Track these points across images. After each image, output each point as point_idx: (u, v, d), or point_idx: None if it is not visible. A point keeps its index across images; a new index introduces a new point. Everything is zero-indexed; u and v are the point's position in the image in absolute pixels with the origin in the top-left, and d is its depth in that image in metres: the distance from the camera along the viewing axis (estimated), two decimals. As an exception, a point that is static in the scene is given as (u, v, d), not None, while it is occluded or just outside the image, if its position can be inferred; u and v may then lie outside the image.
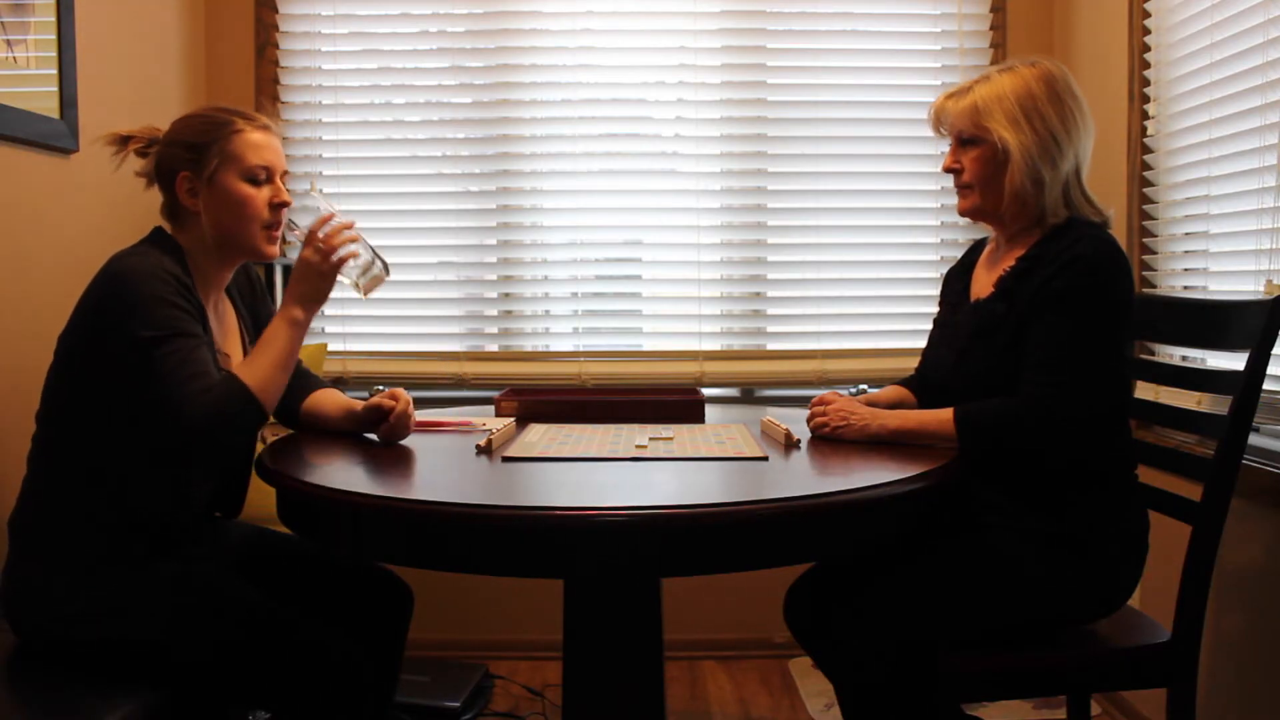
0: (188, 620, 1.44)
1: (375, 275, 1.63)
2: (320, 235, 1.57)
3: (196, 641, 1.43)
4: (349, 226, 1.59)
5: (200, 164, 1.54)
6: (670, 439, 1.62)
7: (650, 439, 1.61)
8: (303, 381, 1.74)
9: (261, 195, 1.57)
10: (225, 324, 1.66)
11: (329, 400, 1.74)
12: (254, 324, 1.75)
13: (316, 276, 1.56)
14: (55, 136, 2.02)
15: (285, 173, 1.63)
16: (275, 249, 1.61)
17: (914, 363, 1.88)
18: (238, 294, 1.74)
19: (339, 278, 1.59)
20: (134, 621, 1.43)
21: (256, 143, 1.57)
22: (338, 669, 1.46)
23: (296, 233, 1.63)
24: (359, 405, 1.68)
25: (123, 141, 1.60)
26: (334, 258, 1.56)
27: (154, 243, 1.55)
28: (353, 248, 1.59)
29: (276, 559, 1.72)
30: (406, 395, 1.65)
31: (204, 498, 1.62)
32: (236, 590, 1.49)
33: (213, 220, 1.56)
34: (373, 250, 1.63)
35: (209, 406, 1.41)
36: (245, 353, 1.68)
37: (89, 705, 1.32)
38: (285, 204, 1.60)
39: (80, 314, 1.49)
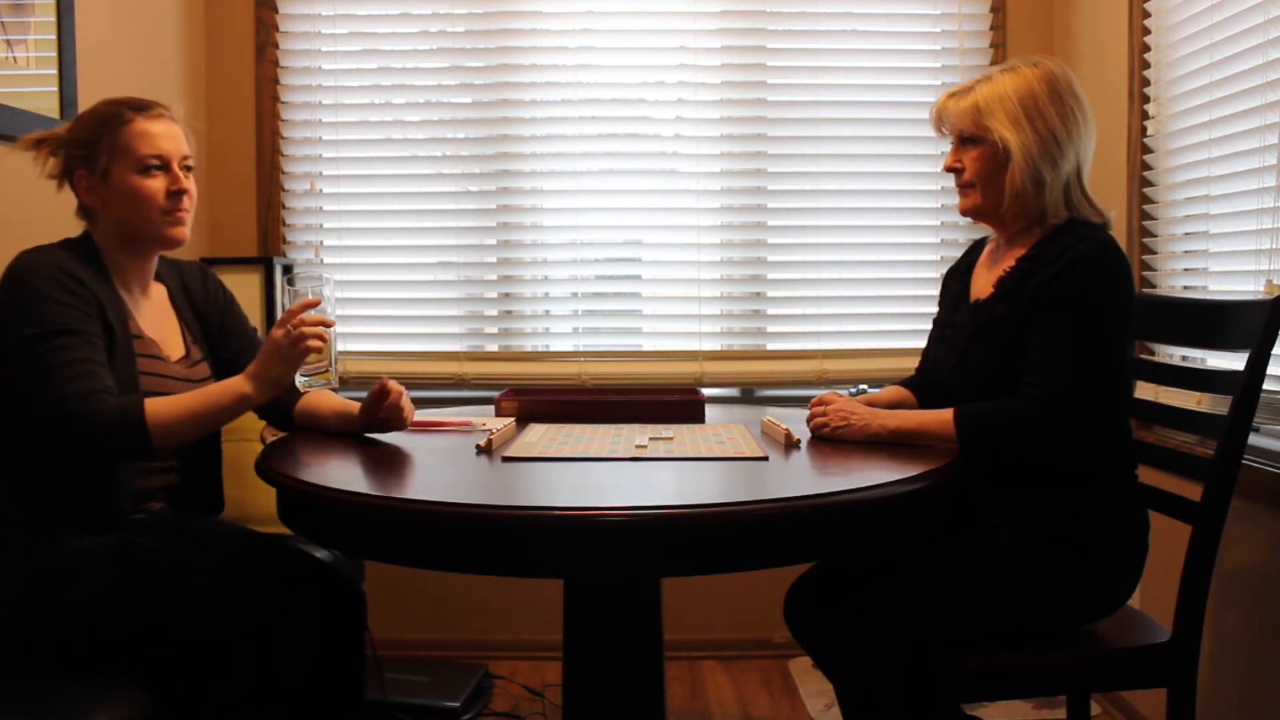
0: (119, 583, 1.44)
1: (320, 385, 1.57)
2: (295, 319, 1.49)
3: (127, 605, 1.43)
4: (328, 324, 1.51)
5: (93, 160, 1.54)
6: (670, 439, 1.62)
7: (650, 439, 1.61)
8: None
9: (156, 185, 1.55)
10: (158, 314, 1.66)
11: (323, 402, 1.74)
12: (198, 324, 1.73)
13: (279, 359, 1.49)
14: (55, 136, 2.02)
15: (186, 157, 1.59)
16: (180, 231, 1.59)
17: (914, 363, 1.88)
18: (182, 292, 1.72)
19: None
20: (65, 591, 1.43)
21: (146, 132, 1.55)
22: (286, 643, 1.48)
23: (290, 291, 1.56)
24: (354, 406, 1.67)
25: (37, 144, 1.59)
26: (298, 346, 1.48)
27: (64, 242, 1.56)
28: (318, 344, 1.49)
29: (235, 547, 1.71)
30: (398, 386, 1.64)
31: (147, 488, 1.60)
32: (172, 552, 1.50)
33: (113, 215, 1.56)
34: (333, 357, 1.56)
35: (94, 413, 1.39)
36: (185, 349, 1.68)
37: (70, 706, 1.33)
38: (183, 191, 1.57)
39: None
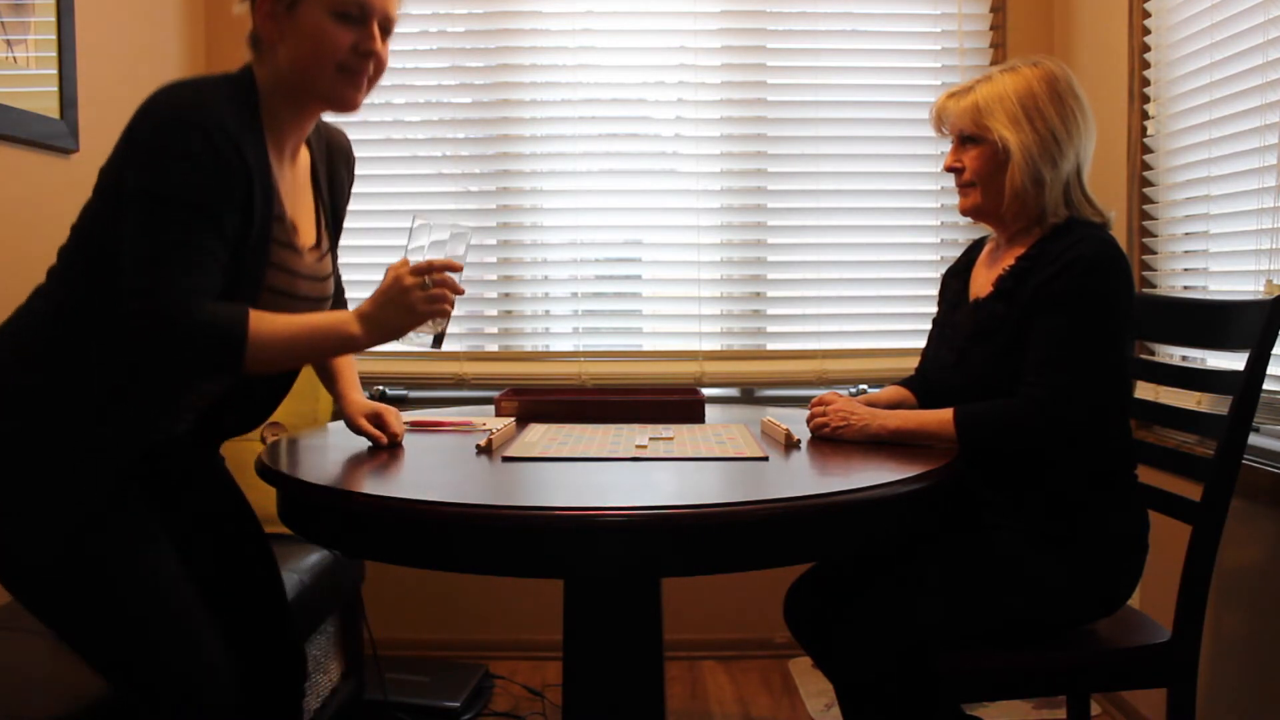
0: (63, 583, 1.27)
1: (424, 342, 1.43)
2: (436, 276, 1.35)
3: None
4: (459, 292, 1.38)
5: None
6: (670, 439, 1.62)
7: (650, 439, 1.61)
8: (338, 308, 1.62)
9: (344, 37, 1.32)
10: (299, 189, 1.46)
11: (344, 369, 1.66)
12: (331, 204, 1.55)
13: (405, 311, 1.34)
14: (55, 136, 2.02)
15: (390, 19, 1.38)
16: (355, 97, 1.37)
17: (914, 363, 1.88)
18: (326, 164, 1.52)
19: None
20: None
21: None
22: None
23: (421, 229, 1.41)
24: (362, 406, 1.62)
25: None
26: (432, 305, 1.34)
27: (224, 80, 1.33)
28: (448, 308, 1.38)
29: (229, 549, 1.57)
30: (396, 425, 1.58)
31: (202, 411, 1.44)
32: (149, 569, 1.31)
33: (288, 55, 1.33)
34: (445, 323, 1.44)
35: (197, 317, 1.21)
36: (318, 236, 1.50)
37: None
38: (371, 53, 1.35)
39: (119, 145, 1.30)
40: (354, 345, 1.35)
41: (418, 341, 1.41)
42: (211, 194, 1.24)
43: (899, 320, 2.86)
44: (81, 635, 1.31)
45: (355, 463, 1.50)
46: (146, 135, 1.25)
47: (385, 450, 1.56)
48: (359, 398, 1.65)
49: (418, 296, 1.33)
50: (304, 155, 1.48)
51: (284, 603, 1.61)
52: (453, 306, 1.37)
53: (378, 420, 1.59)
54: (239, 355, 1.24)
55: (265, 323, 1.27)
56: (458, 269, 1.37)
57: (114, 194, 1.27)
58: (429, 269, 1.34)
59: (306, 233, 1.45)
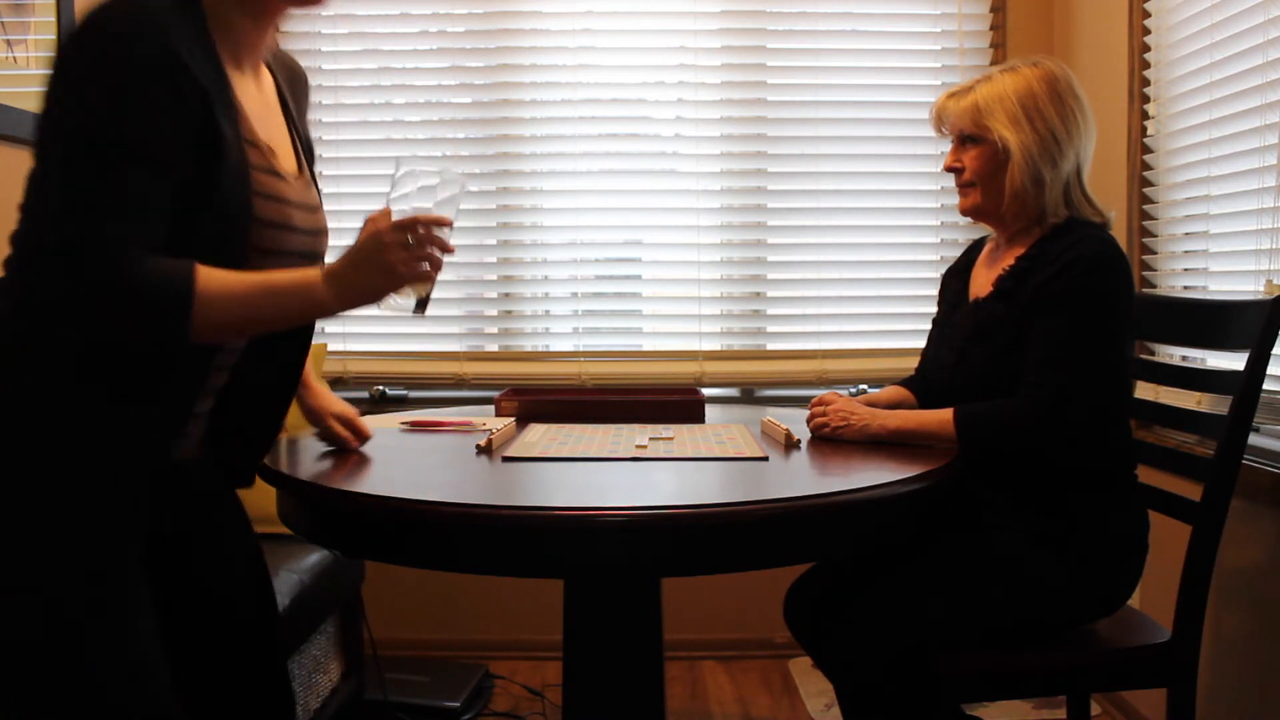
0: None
1: (404, 307, 1.23)
2: (421, 232, 1.16)
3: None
4: (449, 251, 1.21)
5: None
6: (670, 439, 1.62)
7: (650, 439, 1.61)
8: None
9: None
10: (269, 111, 1.27)
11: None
12: (303, 135, 1.38)
13: (383, 272, 1.15)
14: (55, 136, 2.02)
15: None
16: None
17: (914, 363, 1.88)
18: (290, 90, 1.35)
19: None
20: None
21: None
22: None
23: (407, 176, 1.25)
24: (332, 404, 1.54)
25: None
26: (415, 268, 1.16)
27: None
28: (432, 273, 1.20)
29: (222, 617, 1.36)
30: (366, 431, 1.54)
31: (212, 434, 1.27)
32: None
33: None
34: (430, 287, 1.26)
35: (140, 270, 1.01)
36: (298, 162, 1.31)
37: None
38: None
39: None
40: (321, 310, 1.15)
41: (397, 306, 1.21)
42: (157, 137, 1.04)
43: (899, 320, 2.86)
44: (26, 689, 1.07)
45: (356, 463, 1.50)
46: (74, 64, 1.04)
47: (380, 450, 1.56)
48: (326, 389, 1.57)
49: (399, 256, 1.15)
50: (268, 77, 1.30)
51: (275, 626, 1.46)
52: (439, 268, 1.20)
53: (350, 424, 1.55)
54: (184, 316, 1.04)
55: (215, 280, 1.07)
56: (447, 224, 1.19)
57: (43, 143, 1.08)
58: (414, 224, 1.16)
59: (286, 158, 1.27)
